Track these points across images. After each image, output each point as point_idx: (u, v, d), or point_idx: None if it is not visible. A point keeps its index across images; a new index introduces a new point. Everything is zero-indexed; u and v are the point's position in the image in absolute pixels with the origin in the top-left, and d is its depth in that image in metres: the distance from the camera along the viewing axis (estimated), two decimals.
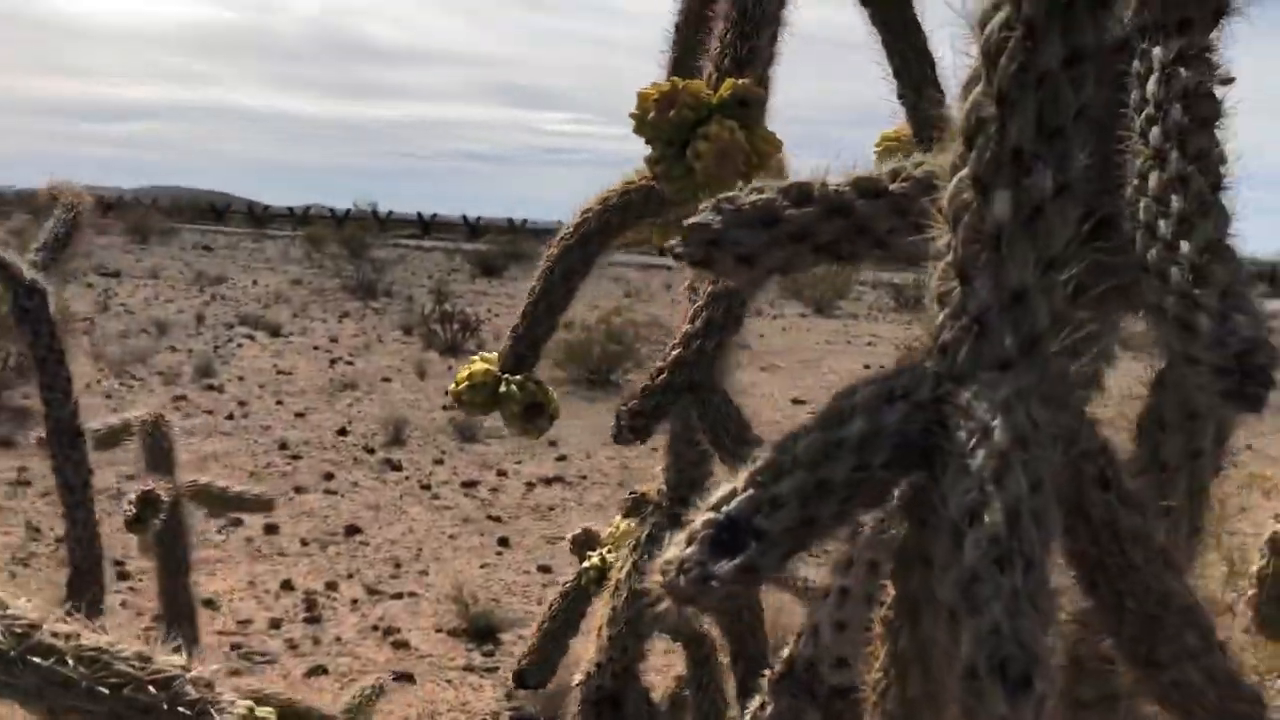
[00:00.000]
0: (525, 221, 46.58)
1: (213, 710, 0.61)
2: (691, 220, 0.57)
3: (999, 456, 0.49)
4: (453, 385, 1.29)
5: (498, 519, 8.55)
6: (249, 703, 0.65)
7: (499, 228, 43.89)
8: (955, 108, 0.54)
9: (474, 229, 44.80)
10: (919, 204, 0.59)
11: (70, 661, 0.55)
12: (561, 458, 10.42)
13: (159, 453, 1.89)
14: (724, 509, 0.52)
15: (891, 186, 0.62)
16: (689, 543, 0.51)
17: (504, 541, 7.98)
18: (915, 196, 0.60)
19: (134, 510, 1.64)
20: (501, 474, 9.80)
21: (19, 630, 0.55)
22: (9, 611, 0.56)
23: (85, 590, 1.47)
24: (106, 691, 0.56)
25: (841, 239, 0.61)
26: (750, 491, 0.52)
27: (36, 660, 0.54)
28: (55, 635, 0.56)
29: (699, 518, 0.51)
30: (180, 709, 0.59)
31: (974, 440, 0.50)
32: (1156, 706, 0.55)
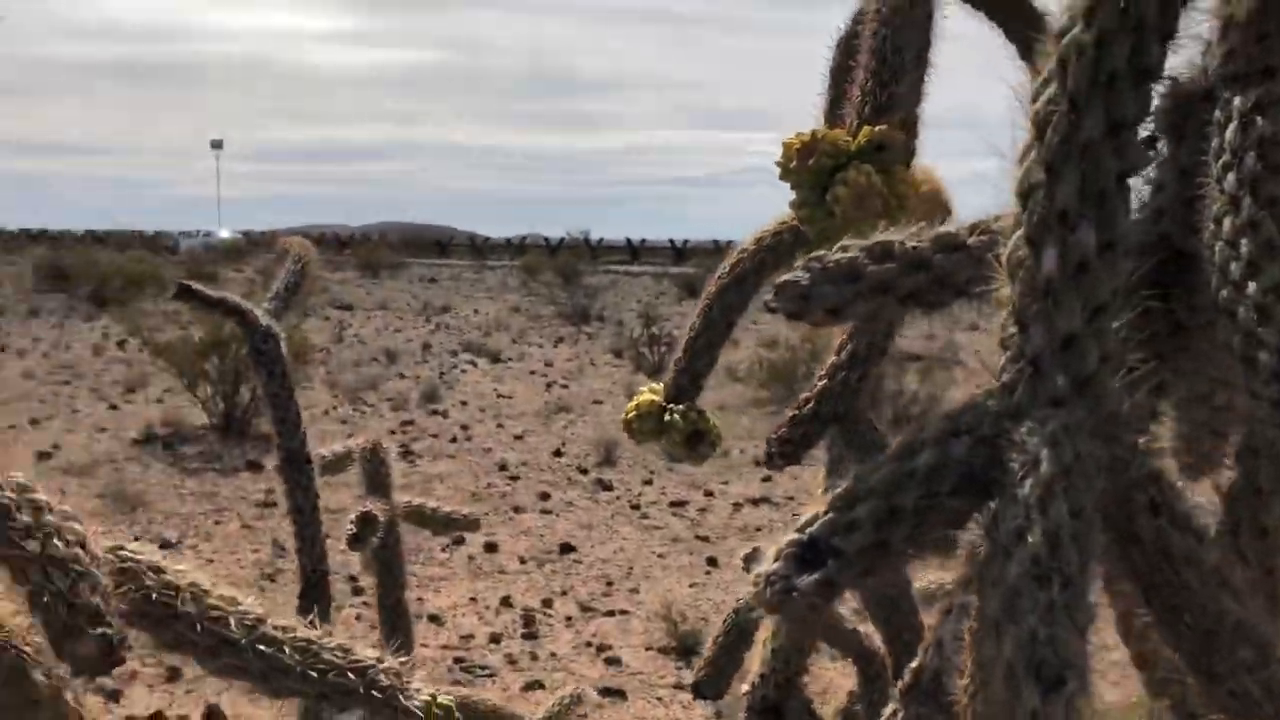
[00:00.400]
0: (730, 243, 46.85)
1: (400, 696, 0.74)
2: (783, 279, 0.66)
3: (1044, 485, 0.55)
4: (624, 415, 1.40)
5: (705, 539, 8.68)
6: (432, 692, 0.78)
7: (705, 250, 44.51)
8: (1012, 174, 0.61)
9: (680, 252, 45.55)
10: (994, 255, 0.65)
11: (287, 650, 0.69)
12: (768, 479, 10.46)
13: (377, 477, 2.09)
14: (807, 530, 0.61)
15: (970, 240, 0.69)
16: (776, 559, 0.59)
17: (712, 561, 8.09)
18: (992, 248, 0.67)
19: (354, 529, 1.84)
20: (709, 494, 9.93)
21: (249, 623, 0.69)
22: (240, 607, 0.70)
23: (315, 602, 1.66)
24: (315, 675, 0.70)
25: (924, 290, 0.68)
26: (830, 515, 0.61)
27: (263, 648, 0.69)
28: (276, 628, 0.70)
29: (785, 538, 0.60)
30: (374, 693, 0.72)
31: (1024, 471, 0.56)
32: (1221, 716, 0.60)
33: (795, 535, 0.60)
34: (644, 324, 20.50)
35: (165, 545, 7.93)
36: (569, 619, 7.01)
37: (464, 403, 13.81)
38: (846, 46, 1.43)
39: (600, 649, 6.55)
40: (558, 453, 11.36)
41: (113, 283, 20.80)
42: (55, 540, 0.64)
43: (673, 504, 9.61)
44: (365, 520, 1.84)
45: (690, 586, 7.60)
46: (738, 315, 1.33)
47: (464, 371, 16.36)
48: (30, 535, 0.64)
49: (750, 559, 1.59)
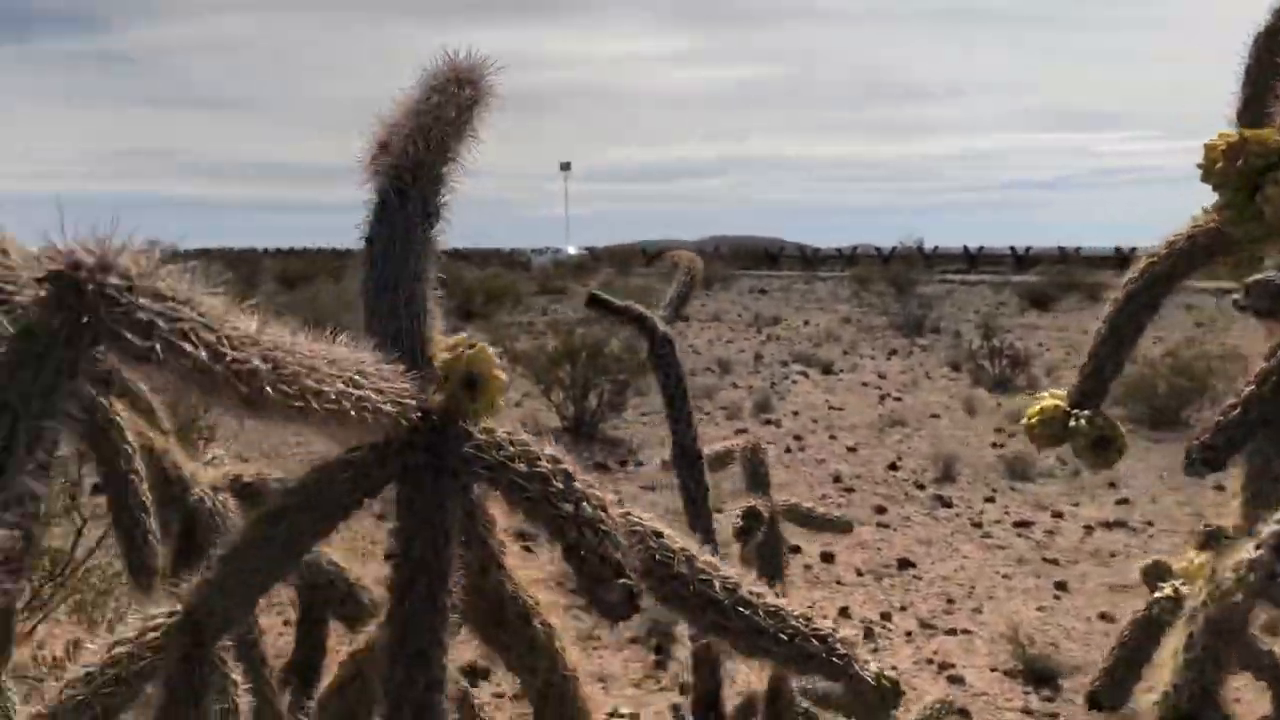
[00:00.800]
0: (1078, 249, 44.24)
1: (855, 665, 0.80)
2: (1254, 278, 0.68)
3: None
4: (1025, 420, 1.42)
5: (1054, 561, 8.28)
6: (878, 668, 0.84)
7: (1049, 258, 42.10)
8: None
9: (1021, 260, 43.39)
10: None
11: (761, 613, 0.78)
12: (1123, 501, 9.84)
13: (757, 475, 2.20)
14: None
15: None
16: (1257, 548, 0.61)
17: (1061, 585, 7.71)
18: None
19: (740, 523, 1.95)
20: (1057, 515, 9.46)
21: (729, 586, 0.79)
22: (722, 572, 0.80)
23: None
24: (785, 639, 0.78)
25: None
26: None
27: (742, 610, 0.78)
28: (752, 593, 0.79)
29: (1266, 528, 0.62)
30: (833, 659, 0.79)
31: None
32: None
33: (1275, 526, 0.62)
34: (983, 335, 19.81)
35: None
36: (909, 634, 6.91)
37: (796, 413, 13.90)
38: (1268, 42, 1.38)
39: (942, 667, 6.41)
40: (893, 466, 11.21)
41: (476, 296, 22.48)
42: (585, 504, 0.76)
43: (1017, 524, 9.24)
44: (752, 514, 1.95)
45: (1038, 610, 7.28)
46: (1147, 319, 1.31)
47: (795, 382, 16.45)
48: (565, 499, 0.77)
49: (1150, 572, 1.55)
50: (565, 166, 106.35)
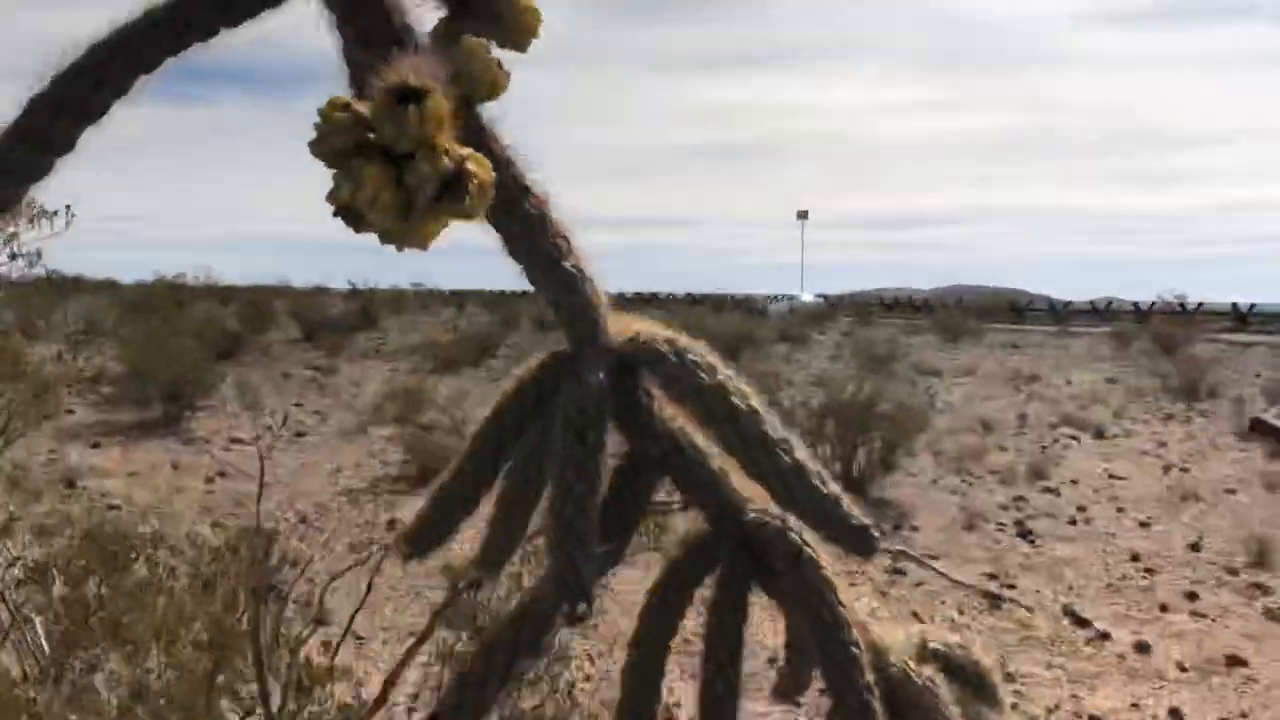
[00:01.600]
0: None
1: None
2: None
3: None
4: None
5: None
6: None
7: None
8: None
9: None
10: None
11: None
12: None
13: None
14: None
15: None
16: None
17: None
18: None
19: None
20: None
21: None
22: None
23: None
24: None
25: None
26: None
27: None
28: None
29: None
30: None
31: None
32: None
33: None
34: (1269, 403, 18.28)
35: None
36: None
37: (1074, 481, 13.11)
38: None
39: None
40: (1194, 546, 10.36)
41: (716, 343, 22.41)
42: None
43: None
44: None
45: None
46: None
47: (1066, 447, 15.57)
48: None
49: None
50: (802, 215, 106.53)
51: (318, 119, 0.94)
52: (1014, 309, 51.02)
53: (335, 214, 0.91)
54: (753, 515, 1.10)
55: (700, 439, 1.14)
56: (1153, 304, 39.59)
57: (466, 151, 0.98)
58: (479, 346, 24.16)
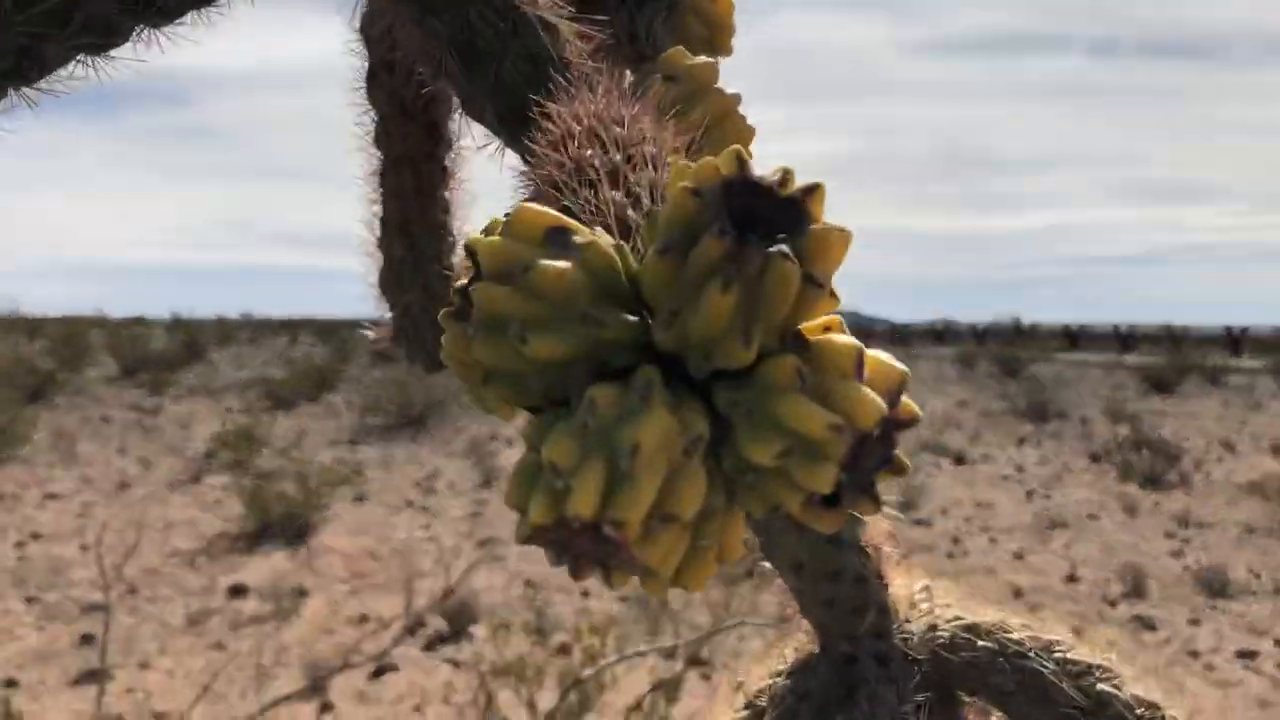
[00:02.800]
0: (1187, 330, 42.61)
1: None
2: None
3: None
4: None
5: None
6: None
7: (1152, 337, 40.53)
8: None
9: (1126, 339, 41.75)
10: None
11: None
12: None
13: None
14: None
15: None
16: None
17: None
18: None
19: None
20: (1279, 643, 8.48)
21: None
22: None
23: None
24: None
25: None
26: None
27: None
28: None
29: None
30: None
31: None
32: None
33: None
34: (1112, 422, 18.77)
35: None
36: None
37: (944, 511, 12.99)
38: None
39: None
40: (1071, 578, 10.26)
41: None
42: None
43: (1240, 653, 8.27)
44: None
45: None
46: None
47: (930, 475, 15.54)
48: None
49: None
50: None
51: (484, 277, 0.47)
52: (858, 332, 51.90)
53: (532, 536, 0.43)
54: None
55: None
56: (988, 326, 40.83)
57: (882, 356, 0.50)
58: (316, 380, 22.86)
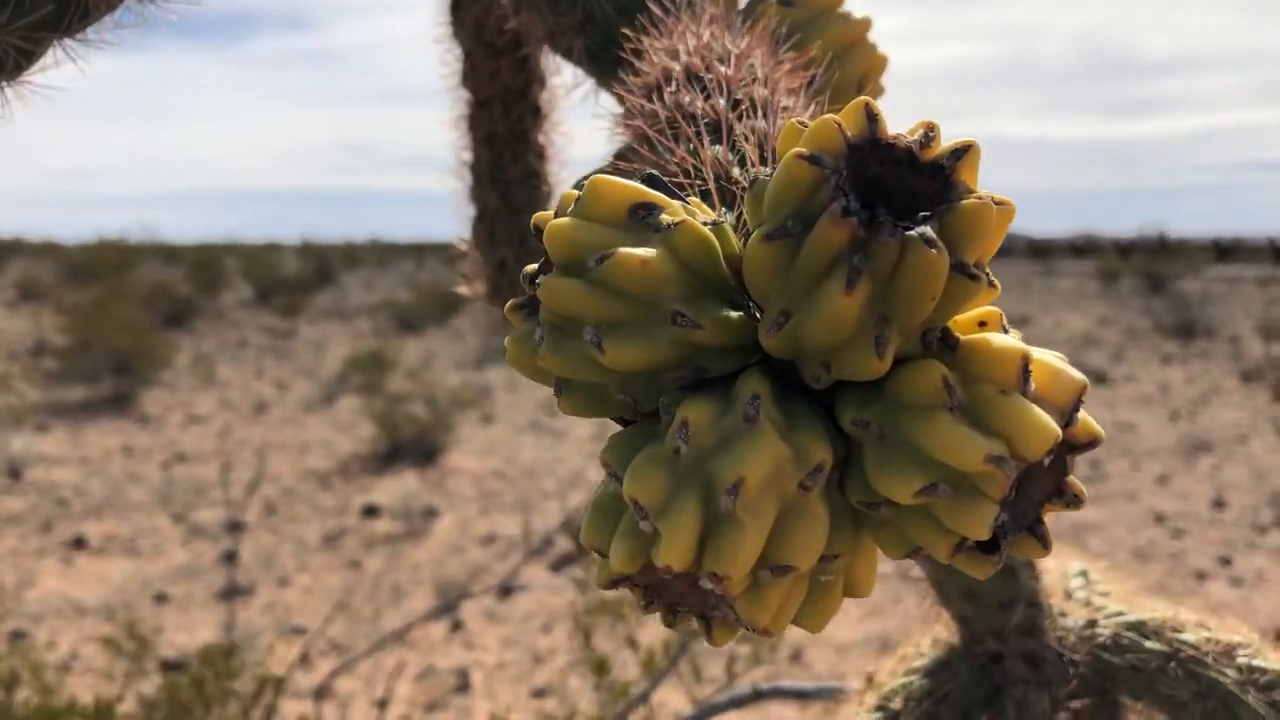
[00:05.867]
0: None
1: None
2: None
3: None
4: None
5: None
6: None
7: None
8: None
9: None
10: None
11: None
12: None
13: None
14: None
15: None
16: None
17: None
18: None
19: None
20: None
21: None
22: None
23: None
24: None
25: None
26: None
27: None
28: None
29: None
30: None
31: None
32: None
33: None
34: (1264, 340, 17.83)
35: None
36: None
37: None
38: None
39: None
40: (1218, 504, 9.83)
41: None
42: None
43: None
44: None
45: None
46: None
47: None
48: None
49: None
50: None
51: (553, 268, 0.35)
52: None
53: (616, 582, 0.38)
54: None
55: None
56: (1133, 239, 38.97)
57: (1057, 364, 0.39)
58: (442, 303, 23.24)
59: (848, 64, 0.57)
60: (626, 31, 0.54)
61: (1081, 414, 0.35)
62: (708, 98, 0.47)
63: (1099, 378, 15.59)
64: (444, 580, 7.69)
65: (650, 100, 0.49)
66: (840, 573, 0.39)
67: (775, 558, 0.34)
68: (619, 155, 0.51)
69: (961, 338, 0.35)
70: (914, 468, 0.33)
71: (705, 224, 0.37)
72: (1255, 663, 0.66)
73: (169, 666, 6.07)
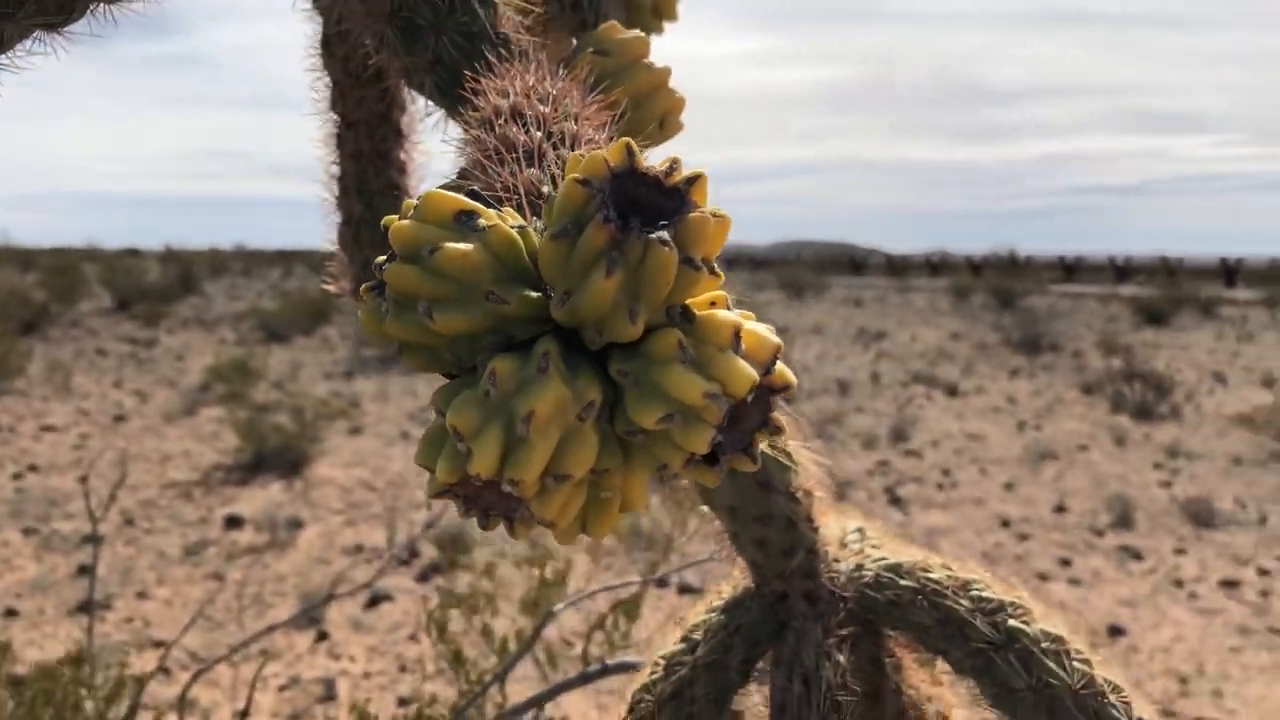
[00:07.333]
0: (1181, 261, 42.50)
1: None
2: None
3: None
4: None
5: None
6: None
7: (1148, 268, 40.49)
8: None
9: (1121, 271, 41.71)
10: None
11: None
12: None
13: None
14: None
15: None
16: None
17: None
18: None
19: None
20: (1263, 573, 8.62)
21: None
22: None
23: None
24: None
25: None
26: None
27: None
28: None
29: None
30: None
31: None
32: None
33: None
34: (1105, 354, 18.86)
35: None
36: None
37: (935, 443, 13.12)
38: None
39: None
40: (1060, 509, 10.40)
41: None
42: None
43: (1223, 583, 8.42)
44: None
45: None
46: None
47: (921, 406, 15.67)
48: None
49: None
50: None
51: (396, 257, 0.49)
52: (853, 263, 51.97)
53: (442, 491, 0.50)
54: None
55: None
56: (985, 257, 40.71)
57: (758, 329, 0.46)
58: (311, 312, 22.86)
59: (651, 105, 0.71)
60: (468, 73, 0.67)
61: (779, 366, 0.49)
62: (528, 131, 0.60)
63: (950, 390, 16.28)
64: (309, 591, 7.62)
65: (484, 131, 0.62)
66: (617, 490, 0.52)
67: (557, 468, 0.47)
68: (461, 174, 0.64)
69: (697, 312, 0.49)
70: (657, 403, 0.47)
71: (513, 227, 0.50)
72: (984, 594, 0.82)
73: (18, 683, 5.90)
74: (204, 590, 7.58)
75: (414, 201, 0.50)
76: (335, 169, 0.97)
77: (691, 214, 0.47)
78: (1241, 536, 9.64)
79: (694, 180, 0.48)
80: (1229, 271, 37.82)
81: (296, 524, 9.11)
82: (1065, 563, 8.84)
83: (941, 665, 0.87)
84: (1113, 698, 0.80)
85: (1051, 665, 0.78)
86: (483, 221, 0.49)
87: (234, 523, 9.11)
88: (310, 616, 7.01)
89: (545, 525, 0.49)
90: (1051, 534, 9.65)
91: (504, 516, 0.49)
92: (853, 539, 0.85)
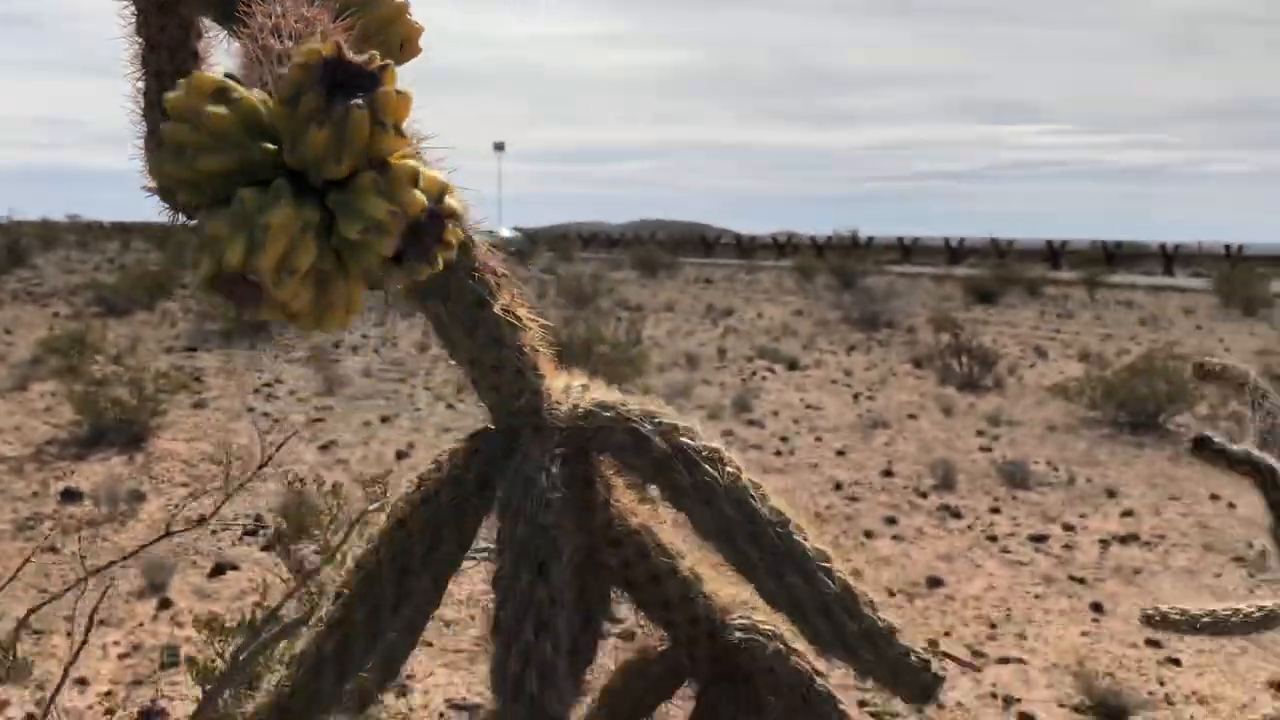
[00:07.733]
0: (1011, 243, 44.81)
1: None
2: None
3: None
4: None
5: (1081, 580, 8.11)
6: None
7: (980, 250, 42.74)
8: None
9: (955, 252, 43.90)
10: None
11: None
12: (1128, 513, 9.76)
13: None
14: None
15: None
16: None
17: (1097, 607, 7.54)
18: None
19: None
20: (1068, 528, 9.33)
21: None
22: None
23: None
24: None
25: None
26: None
27: None
28: None
29: None
30: None
31: None
32: None
33: None
34: (938, 330, 19.81)
35: None
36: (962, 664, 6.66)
37: (775, 413, 13.64)
38: None
39: (1008, 701, 6.17)
40: (888, 472, 11.00)
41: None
42: None
43: (1032, 538, 9.08)
44: None
45: (1082, 635, 7.10)
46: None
47: (764, 379, 16.22)
48: None
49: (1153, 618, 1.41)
50: (499, 146, 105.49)
51: (171, 120, 0.66)
52: (705, 243, 52.98)
53: (208, 285, 0.66)
54: (740, 634, 0.94)
55: (667, 536, 0.88)
56: (829, 238, 42.11)
57: (433, 174, 0.71)
58: (150, 286, 22.16)
59: (391, 31, 0.92)
60: (244, 1, 0.87)
61: (448, 200, 0.71)
62: (282, 42, 0.81)
63: (792, 364, 16.90)
64: (151, 562, 7.56)
65: (250, 42, 0.82)
66: (341, 297, 0.73)
67: (288, 264, 0.68)
68: (229, 75, 0.84)
69: (392, 161, 0.71)
70: (358, 219, 0.68)
71: (259, 99, 0.71)
72: (663, 419, 1.07)
73: None
74: (38, 564, 7.43)
75: (184, 81, 0.70)
76: (141, 85, 1.14)
77: (381, 89, 0.68)
78: (1052, 496, 10.38)
79: (385, 67, 0.69)
80: (1054, 254, 40.22)
81: (139, 497, 8.98)
82: (891, 521, 9.39)
83: (652, 494, 1.11)
84: (752, 490, 1.06)
85: (708, 469, 1.03)
86: (235, 94, 0.70)
87: (72, 496, 8.92)
88: (152, 583, 6.97)
89: (286, 315, 0.70)
90: (879, 495, 10.21)
91: (253, 303, 0.70)
92: (576, 389, 1.08)
